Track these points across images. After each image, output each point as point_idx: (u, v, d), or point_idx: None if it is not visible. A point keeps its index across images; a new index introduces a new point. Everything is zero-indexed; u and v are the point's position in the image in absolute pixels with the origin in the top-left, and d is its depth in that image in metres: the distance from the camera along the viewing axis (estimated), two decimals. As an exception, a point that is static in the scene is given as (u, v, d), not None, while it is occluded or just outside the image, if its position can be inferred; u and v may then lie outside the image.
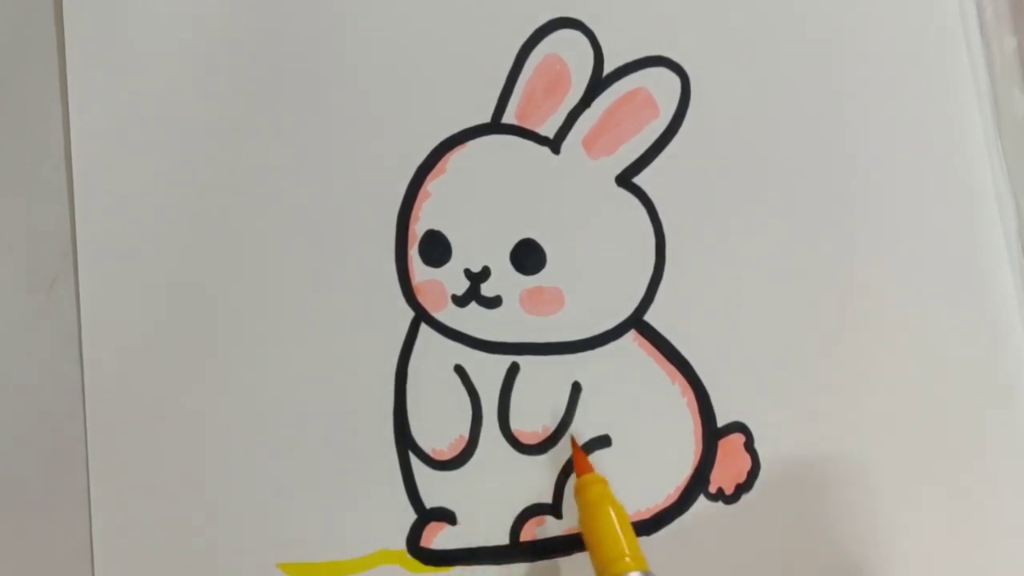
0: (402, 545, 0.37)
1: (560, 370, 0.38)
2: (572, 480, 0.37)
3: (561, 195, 0.38)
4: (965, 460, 0.37)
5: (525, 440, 0.37)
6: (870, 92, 0.39)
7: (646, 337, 0.38)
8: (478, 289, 0.38)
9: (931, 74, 0.39)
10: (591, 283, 0.38)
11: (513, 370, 0.38)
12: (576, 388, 0.38)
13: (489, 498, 0.37)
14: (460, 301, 0.38)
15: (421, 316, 0.38)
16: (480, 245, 0.38)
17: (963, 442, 0.37)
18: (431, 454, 0.37)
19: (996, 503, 0.37)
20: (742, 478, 0.37)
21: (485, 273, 0.38)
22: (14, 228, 0.39)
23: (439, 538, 0.37)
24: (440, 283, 0.38)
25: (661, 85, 0.39)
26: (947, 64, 0.39)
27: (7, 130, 0.40)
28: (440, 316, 0.38)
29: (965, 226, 0.38)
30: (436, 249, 0.38)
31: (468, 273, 0.38)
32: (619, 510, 0.34)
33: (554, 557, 0.37)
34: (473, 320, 0.38)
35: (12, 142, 0.40)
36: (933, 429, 0.37)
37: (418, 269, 0.38)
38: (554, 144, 0.39)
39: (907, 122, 0.39)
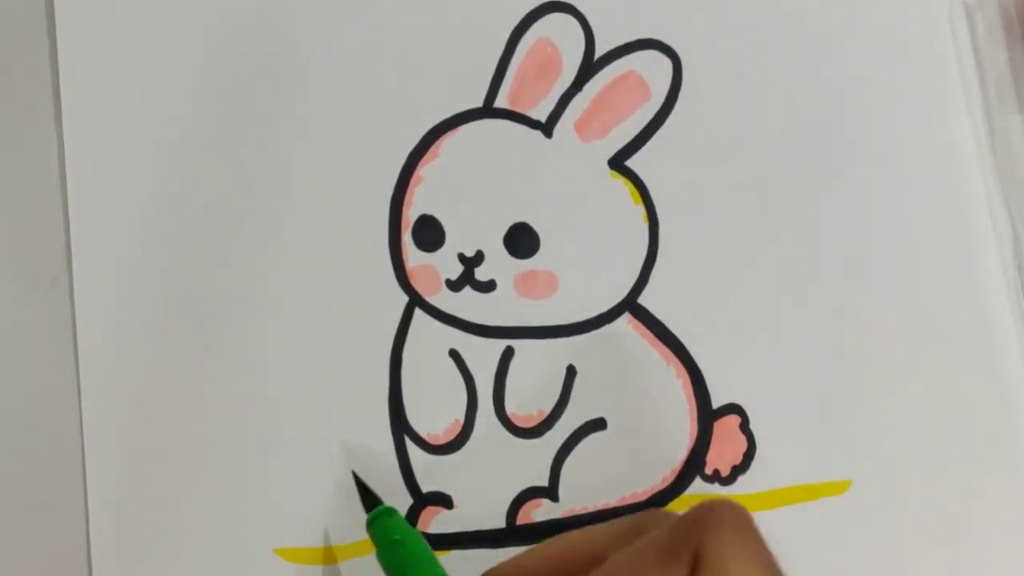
0: (399, 530, 0.37)
1: (555, 353, 0.38)
2: (568, 462, 0.37)
3: (554, 179, 0.38)
4: (959, 457, 0.37)
5: (520, 424, 0.37)
6: (862, 95, 0.39)
7: (640, 320, 0.38)
8: (472, 273, 0.38)
9: (922, 89, 0.39)
10: (585, 266, 0.38)
11: (508, 354, 0.38)
12: (571, 371, 0.38)
13: (485, 482, 0.37)
14: (454, 286, 0.38)
15: (415, 301, 0.38)
16: (473, 229, 0.38)
17: (958, 439, 0.37)
18: (427, 439, 0.37)
19: (987, 504, 0.37)
20: (738, 460, 0.37)
21: (479, 257, 0.38)
22: (15, 227, 0.39)
23: (436, 522, 0.37)
24: (434, 268, 0.38)
25: (653, 68, 0.39)
26: (939, 80, 0.39)
27: (2, 129, 0.40)
28: (434, 301, 0.38)
29: (958, 240, 0.38)
30: (429, 234, 0.38)
31: (462, 257, 0.38)
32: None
33: (551, 540, 0.37)
34: (467, 304, 0.38)
35: (8, 141, 0.39)
36: (926, 421, 0.37)
37: (411, 254, 0.38)
38: (546, 128, 0.39)
39: (898, 131, 0.38)
